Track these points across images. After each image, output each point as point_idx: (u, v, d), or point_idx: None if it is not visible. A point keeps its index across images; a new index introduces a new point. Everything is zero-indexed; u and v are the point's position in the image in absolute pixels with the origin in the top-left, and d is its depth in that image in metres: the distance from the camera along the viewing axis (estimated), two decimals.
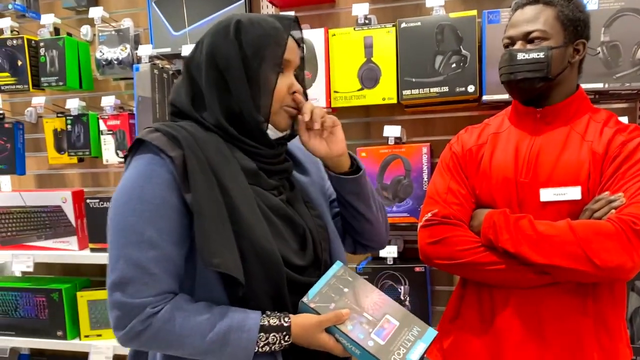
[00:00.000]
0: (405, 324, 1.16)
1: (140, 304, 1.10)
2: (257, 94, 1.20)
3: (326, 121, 1.30)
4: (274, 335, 1.14)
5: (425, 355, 1.14)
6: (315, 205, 1.36)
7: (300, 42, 1.30)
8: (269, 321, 1.14)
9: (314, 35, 2.25)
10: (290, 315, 1.16)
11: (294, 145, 1.40)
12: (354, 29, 2.24)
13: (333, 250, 1.34)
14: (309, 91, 2.17)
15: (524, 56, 1.51)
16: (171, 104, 1.28)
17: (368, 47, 2.22)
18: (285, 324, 1.15)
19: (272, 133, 1.26)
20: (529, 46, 1.53)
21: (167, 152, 1.12)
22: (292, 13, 2.25)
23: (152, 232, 1.10)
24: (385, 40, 2.20)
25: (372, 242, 1.47)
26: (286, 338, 1.14)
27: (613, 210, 1.40)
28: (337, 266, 1.23)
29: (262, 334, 1.13)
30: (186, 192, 1.11)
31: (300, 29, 1.30)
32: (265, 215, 1.19)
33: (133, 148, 1.18)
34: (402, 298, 2.27)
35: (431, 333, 1.16)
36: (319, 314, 1.15)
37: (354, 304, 1.17)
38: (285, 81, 1.24)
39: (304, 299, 1.17)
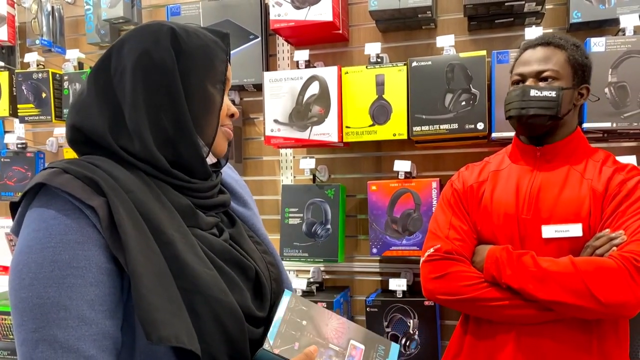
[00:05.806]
0: (370, 345, 1.10)
1: None
2: (201, 113, 1.02)
3: None
4: None
5: None
6: (261, 239, 1.19)
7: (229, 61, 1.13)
8: None
9: (327, 73, 2.30)
10: None
11: (228, 175, 1.24)
12: (366, 67, 2.29)
13: (284, 288, 1.16)
14: (322, 126, 2.26)
15: (536, 93, 1.54)
16: (75, 127, 0.99)
17: (380, 85, 2.26)
18: None
19: (209, 159, 1.07)
20: (541, 84, 1.56)
21: (84, 201, 0.87)
22: (306, 51, 2.35)
23: (80, 304, 0.84)
24: (396, 78, 2.24)
25: None
26: None
27: (614, 248, 1.42)
28: (286, 296, 1.07)
29: None
30: (117, 250, 0.86)
31: (229, 46, 1.12)
32: (213, 262, 0.97)
33: (29, 196, 0.91)
34: (412, 332, 2.27)
35: (395, 348, 1.11)
36: (286, 359, 1.00)
37: (317, 336, 1.05)
38: (226, 101, 1.09)
39: (265, 346, 1.00)
